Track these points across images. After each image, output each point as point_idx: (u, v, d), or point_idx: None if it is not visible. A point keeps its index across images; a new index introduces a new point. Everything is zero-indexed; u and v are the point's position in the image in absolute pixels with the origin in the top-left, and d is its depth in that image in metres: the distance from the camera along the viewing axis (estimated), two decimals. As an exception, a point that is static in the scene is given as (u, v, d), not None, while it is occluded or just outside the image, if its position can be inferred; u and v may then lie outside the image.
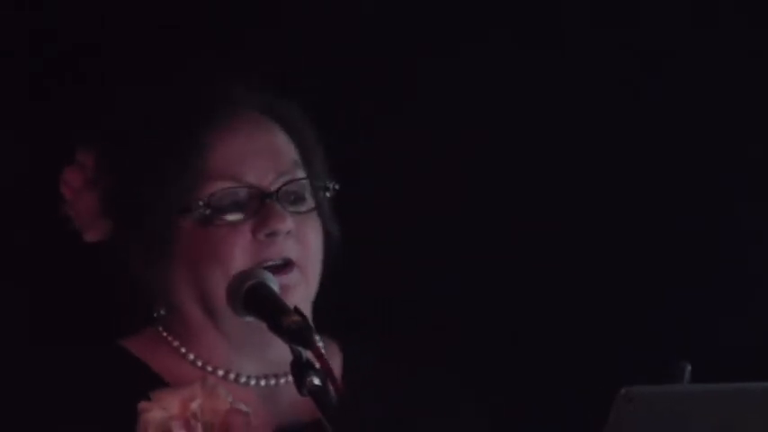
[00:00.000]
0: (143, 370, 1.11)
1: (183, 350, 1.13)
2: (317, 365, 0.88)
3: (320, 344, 1.13)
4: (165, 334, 1.14)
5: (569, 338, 1.88)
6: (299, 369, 0.89)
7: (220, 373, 1.11)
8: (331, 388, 0.88)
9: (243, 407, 1.01)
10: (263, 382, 1.12)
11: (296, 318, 0.91)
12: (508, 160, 1.89)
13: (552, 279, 1.89)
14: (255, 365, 1.12)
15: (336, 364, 1.17)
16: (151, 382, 1.06)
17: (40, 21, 1.73)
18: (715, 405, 0.80)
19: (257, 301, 0.97)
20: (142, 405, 1.00)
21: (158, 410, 1.01)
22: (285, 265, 1.07)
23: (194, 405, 1.00)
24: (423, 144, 1.83)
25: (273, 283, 0.99)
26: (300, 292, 1.08)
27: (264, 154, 1.12)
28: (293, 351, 0.90)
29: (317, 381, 0.87)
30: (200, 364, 1.12)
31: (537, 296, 1.89)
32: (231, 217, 1.08)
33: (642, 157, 1.94)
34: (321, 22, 1.79)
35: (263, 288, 0.98)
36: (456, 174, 1.87)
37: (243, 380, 1.11)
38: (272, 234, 1.06)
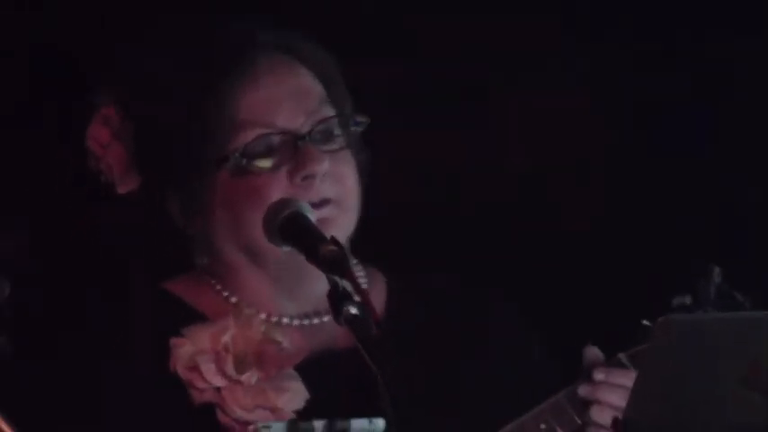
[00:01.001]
0: (187, 309, 1.12)
1: (226, 293, 1.13)
2: (355, 295, 0.88)
3: (362, 273, 1.14)
4: (208, 278, 1.15)
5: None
6: (336, 298, 0.89)
7: (262, 315, 1.11)
8: (369, 316, 0.87)
9: (278, 336, 1.00)
10: (305, 321, 1.12)
11: (332, 247, 0.91)
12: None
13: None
14: (297, 306, 1.12)
15: (381, 294, 1.18)
16: (194, 321, 1.08)
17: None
18: (750, 331, 0.81)
19: (294, 229, 0.97)
20: (173, 341, 1.01)
21: (188, 345, 1.00)
22: (321, 203, 1.07)
23: (226, 337, 1.00)
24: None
25: (310, 212, 1.00)
26: (338, 224, 1.08)
27: (292, 96, 1.12)
28: (330, 280, 0.89)
29: (353, 310, 0.87)
30: (242, 306, 1.11)
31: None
32: (266, 163, 1.09)
33: None
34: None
35: (299, 218, 0.98)
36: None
37: (285, 320, 1.11)
38: (309, 177, 1.06)
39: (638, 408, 0.81)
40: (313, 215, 1.00)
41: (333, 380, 1.09)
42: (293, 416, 1.03)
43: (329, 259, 0.89)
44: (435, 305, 1.20)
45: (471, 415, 1.11)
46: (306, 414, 1.04)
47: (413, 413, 0.95)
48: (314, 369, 1.08)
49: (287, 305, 1.12)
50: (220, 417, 1.03)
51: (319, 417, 0.84)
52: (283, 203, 1.01)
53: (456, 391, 1.13)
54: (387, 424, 0.82)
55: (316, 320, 1.12)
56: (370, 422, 0.89)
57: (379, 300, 1.16)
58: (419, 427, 0.94)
